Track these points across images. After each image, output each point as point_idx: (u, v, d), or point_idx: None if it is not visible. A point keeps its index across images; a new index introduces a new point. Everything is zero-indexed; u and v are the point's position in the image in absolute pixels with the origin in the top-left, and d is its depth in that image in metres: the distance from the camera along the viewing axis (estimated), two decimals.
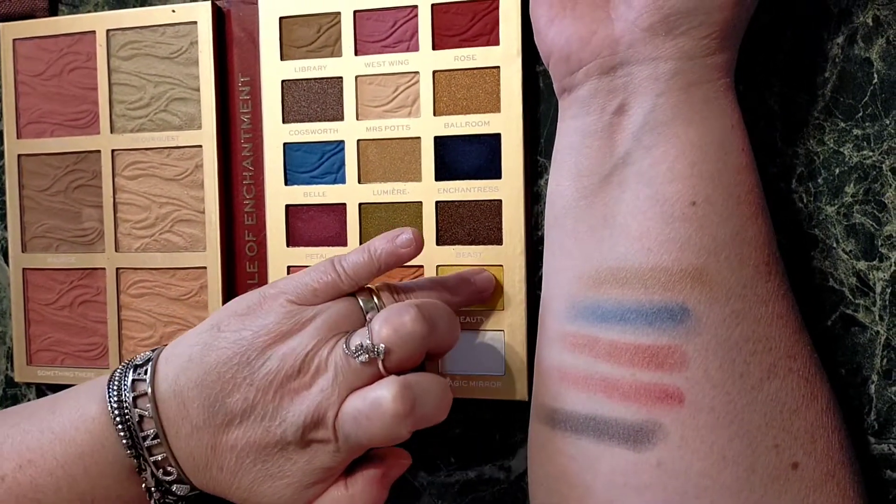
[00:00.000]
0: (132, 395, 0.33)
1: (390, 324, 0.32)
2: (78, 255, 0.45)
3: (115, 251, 0.44)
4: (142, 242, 0.44)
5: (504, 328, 0.39)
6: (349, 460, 0.33)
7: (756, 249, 0.31)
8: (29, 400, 0.48)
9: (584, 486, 0.31)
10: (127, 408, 0.33)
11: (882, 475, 0.35)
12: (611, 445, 0.31)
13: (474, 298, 0.38)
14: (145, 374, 0.33)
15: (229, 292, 0.43)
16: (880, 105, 0.35)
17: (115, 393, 0.33)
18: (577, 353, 0.32)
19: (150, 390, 0.33)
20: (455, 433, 0.41)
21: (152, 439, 0.33)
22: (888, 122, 0.35)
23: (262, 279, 0.42)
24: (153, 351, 0.35)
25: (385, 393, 0.31)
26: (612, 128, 0.32)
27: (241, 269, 0.43)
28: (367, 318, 0.34)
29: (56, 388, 0.47)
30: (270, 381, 0.32)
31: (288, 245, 0.42)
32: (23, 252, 0.46)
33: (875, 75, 0.35)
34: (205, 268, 0.43)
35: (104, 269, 0.44)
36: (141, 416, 0.33)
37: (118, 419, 0.32)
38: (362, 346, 0.32)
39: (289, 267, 0.42)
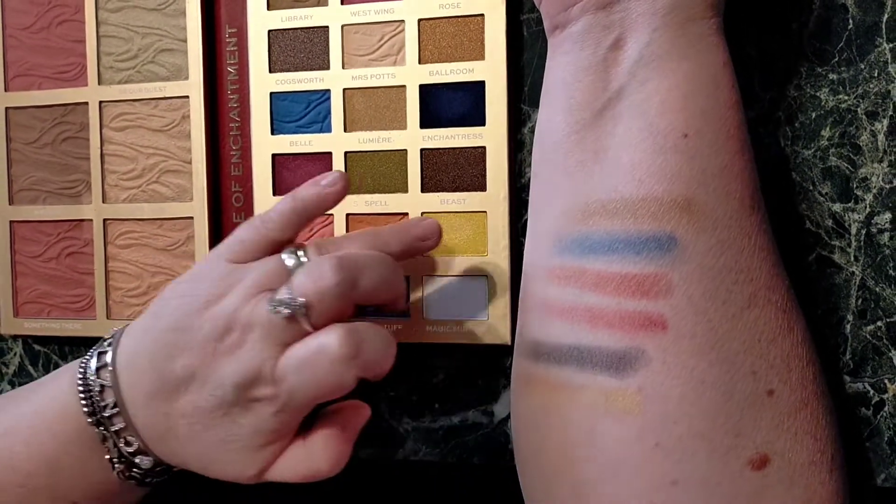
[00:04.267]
0: (96, 365, 0.34)
1: (310, 277, 0.32)
2: (65, 206, 0.45)
3: (103, 202, 0.44)
4: (129, 193, 0.44)
5: (487, 273, 0.39)
6: (299, 418, 0.33)
7: (742, 183, 0.32)
8: (15, 354, 0.48)
9: (566, 416, 0.32)
10: (91, 378, 0.34)
11: (857, 413, 0.36)
12: (594, 374, 0.31)
13: (415, 247, 0.37)
14: (109, 346, 0.35)
15: (216, 242, 0.43)
16: (855, 50, 0.35)
17: (83, 365, 0.34)
18: (563, 285, 0.33)
19: (110, 360, 0.34)
20: (439, 379, 0.41)
21: (112, 408, 0.33)
22: (863, 66, 0.35)
23: None
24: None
25: (328, 339, 0.31)
26: (606, 63, 0.33)
27: (228, 219, 0.43)
28: (292, 273, 0.34)
29: (43, 340, 0.47)
30: (205, 345, 0.32)
31: (274, 194, 0.42)
32: (10, 205, 0.46)
33: (850, 21, 0.35)
34: (192, 218, 0.43)
35: (91, 220, 0.45)
36: (102, 387, 0.34)
37: (81, 389, 0.34)
38: (283, 301, 0.32)
39: None
